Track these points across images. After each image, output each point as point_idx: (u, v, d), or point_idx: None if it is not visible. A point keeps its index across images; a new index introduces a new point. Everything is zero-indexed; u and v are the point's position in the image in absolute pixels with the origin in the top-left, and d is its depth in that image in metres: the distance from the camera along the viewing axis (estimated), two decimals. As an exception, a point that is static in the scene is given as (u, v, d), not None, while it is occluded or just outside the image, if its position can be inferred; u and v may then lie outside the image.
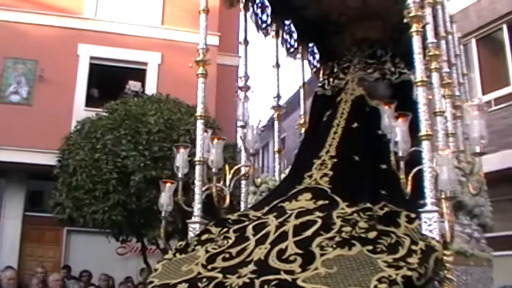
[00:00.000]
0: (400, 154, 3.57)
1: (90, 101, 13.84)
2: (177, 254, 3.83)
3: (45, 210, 12.84)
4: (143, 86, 13.92)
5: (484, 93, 11.59)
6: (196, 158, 4.43)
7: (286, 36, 6.22)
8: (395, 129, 3.60)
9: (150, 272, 11.04)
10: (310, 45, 6.54)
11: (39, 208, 13.99)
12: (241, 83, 5.31)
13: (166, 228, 10.55)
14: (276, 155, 5.85)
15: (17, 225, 13.87)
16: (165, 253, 10.65)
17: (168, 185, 4.38)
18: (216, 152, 4.37)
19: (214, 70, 13.47)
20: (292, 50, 6.31)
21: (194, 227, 4.25)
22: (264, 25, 5.85)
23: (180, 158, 4.48)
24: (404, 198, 3.74)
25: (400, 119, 3.62)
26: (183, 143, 4.82)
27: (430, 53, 3.94)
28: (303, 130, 6.31)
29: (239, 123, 4.99)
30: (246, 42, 5.56)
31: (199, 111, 4.59)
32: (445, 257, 3.28)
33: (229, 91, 13.22)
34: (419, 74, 3.68)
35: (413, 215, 3.55)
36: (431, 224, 3.35)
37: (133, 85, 13.35)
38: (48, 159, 11.37)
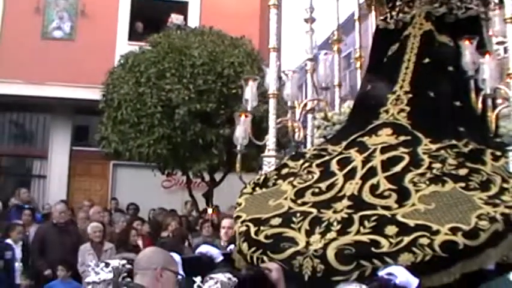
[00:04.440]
0: (488, 91, 3.52)
1: (133, 35, 13.71)
2: (257, 188, 3.82)
3: (91, 145, 13.04)
4: (185, 19, 13.71)
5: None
6: (270, 92, 4.40)
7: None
8: (483, 66, 3.53)
9: (195, 204, 11.33)
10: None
11: (86, 142, 14.19)
12: (306, 15, 5.23)
13: (211, 161, 10.59)
14: (336, 89, 5.82)
15: (64, 159, 14.08)
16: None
17: (242, 117, 4.33)
18: (292, 85, 4.33)
19: (257, 2, 13.24)
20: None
21: (269, 161, 4.27)
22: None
23: (249, 90, 4.44)
24: (483, 136, 3.72)
25: (487, 56, 3.54)
26: (252, 76, 4.76)
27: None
28: (358, 64, 6.25)
29: (307, 56, 4.95)
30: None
31: (272, 43, 4.52)
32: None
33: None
34: (509, 10, 3.57)
35: (498, 153, 3.53)
36: (518, 162, 3.35)
37: (175, 18, 13.10)
38: (93, 93, 11.42)
